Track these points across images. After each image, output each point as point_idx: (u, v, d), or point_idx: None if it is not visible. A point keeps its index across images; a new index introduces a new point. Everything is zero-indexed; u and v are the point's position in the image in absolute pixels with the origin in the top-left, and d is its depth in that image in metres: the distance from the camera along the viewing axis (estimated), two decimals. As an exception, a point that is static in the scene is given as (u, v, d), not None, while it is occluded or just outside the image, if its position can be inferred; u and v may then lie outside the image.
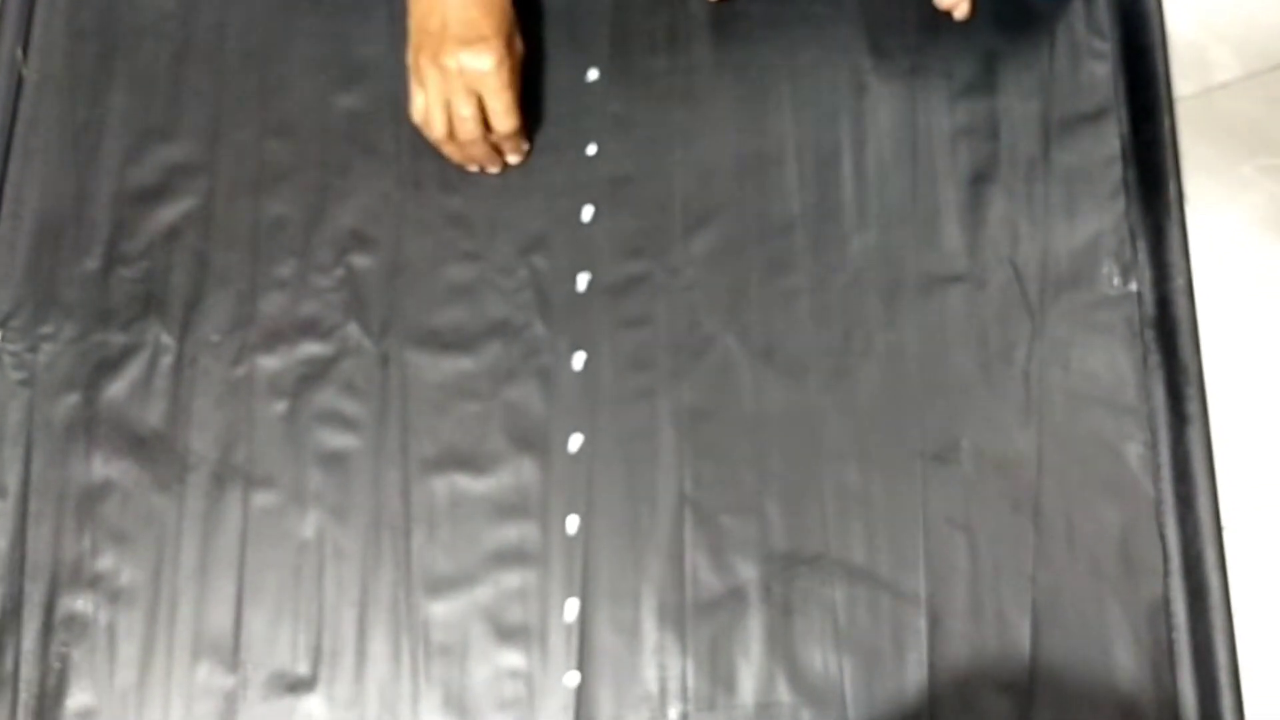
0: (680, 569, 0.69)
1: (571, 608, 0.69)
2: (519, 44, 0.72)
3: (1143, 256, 0.74)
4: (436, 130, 0.71)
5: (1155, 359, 0.72)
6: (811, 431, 0.71)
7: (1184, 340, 0.72)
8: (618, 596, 0.69)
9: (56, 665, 0.68)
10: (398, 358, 0.73)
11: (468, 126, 0.70)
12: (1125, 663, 0.68)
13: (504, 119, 0.71)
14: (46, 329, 0.73)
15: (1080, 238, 0.74)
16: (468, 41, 0.68)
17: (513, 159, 0.75)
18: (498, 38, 0.69)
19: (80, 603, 0.69)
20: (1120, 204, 0.75)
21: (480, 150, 0.72)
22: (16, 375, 0.72)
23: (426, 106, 0.70)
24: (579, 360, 0.73)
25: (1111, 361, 0.72)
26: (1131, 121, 0.77)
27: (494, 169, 0.75)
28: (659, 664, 0.68)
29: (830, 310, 0.73)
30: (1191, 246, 0.74)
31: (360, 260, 0.74)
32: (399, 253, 0.74)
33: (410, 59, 0.71)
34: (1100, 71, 0.77)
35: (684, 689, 0.68)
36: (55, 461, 0.71)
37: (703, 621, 0.68)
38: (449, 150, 0.73)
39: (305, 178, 0.75)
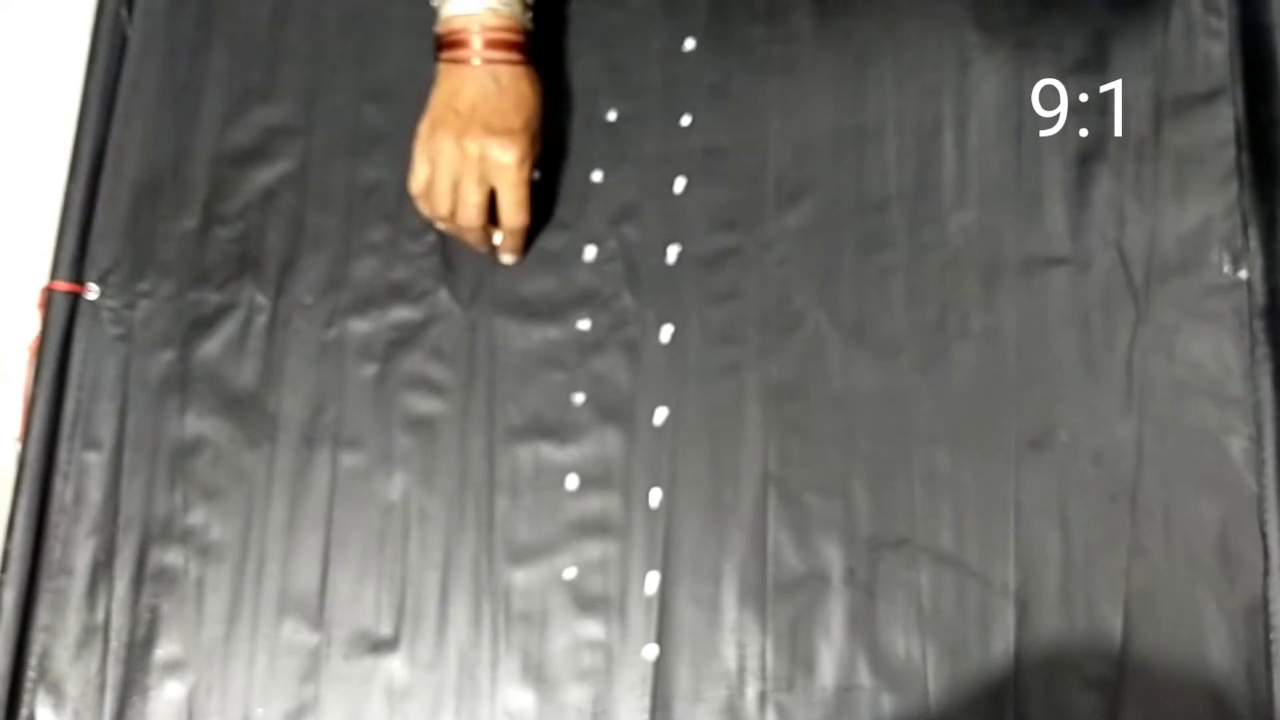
0: (762, 547, 0.69)
1: (652, 581, 0.69)
2: (538, 145, 0.70)
3: (1254, 244, 0.72)
4: (440, 208, 0.69)
5: (1263, 350, 0.70)
6: (902, 413, 0.70)
7: (1294, 332, 0.70)
8: (698, 572, 0.69)
9: (146, 616, 0.69)
10: (486, 325, 0.73)
11: (472, 213, 0.69)
12: (1220, 662, 0.66)
13: (516, 213, 0.69)
14: (144, 286, 0.74)
15: (1190, 222, 0.72)
16: (495, 131, 0.67)
17: (507, 259, 0.72)
18: (525, 133, 0.68)
19: (171, 556, 0.70)
20: (1233, 188, 0.72)
21: (476, 236, 0.70)
22: (114, 331, 0.73)
23: (431, 181, 0.69)
24: (666, 333, 0.72)
25: (1218, 351, 0.70)
26: (1247, 103, 0.74)
27: (481, 250, 0.73)
28: (738, 642, 0.67)
29: (925, 290, 0.72)
30: (1306, 235, 0.72)
31: (452, 226, 0.74)
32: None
33: (423, 130, 0.69)
34: (1216, 51, 0.75)
35: (763, 668, 0.67)
36: (149, 417, 0.72)
37: (784, 601, 0.68)
38: (443, 226, 0.71)
39: (400, 143, 0.75)
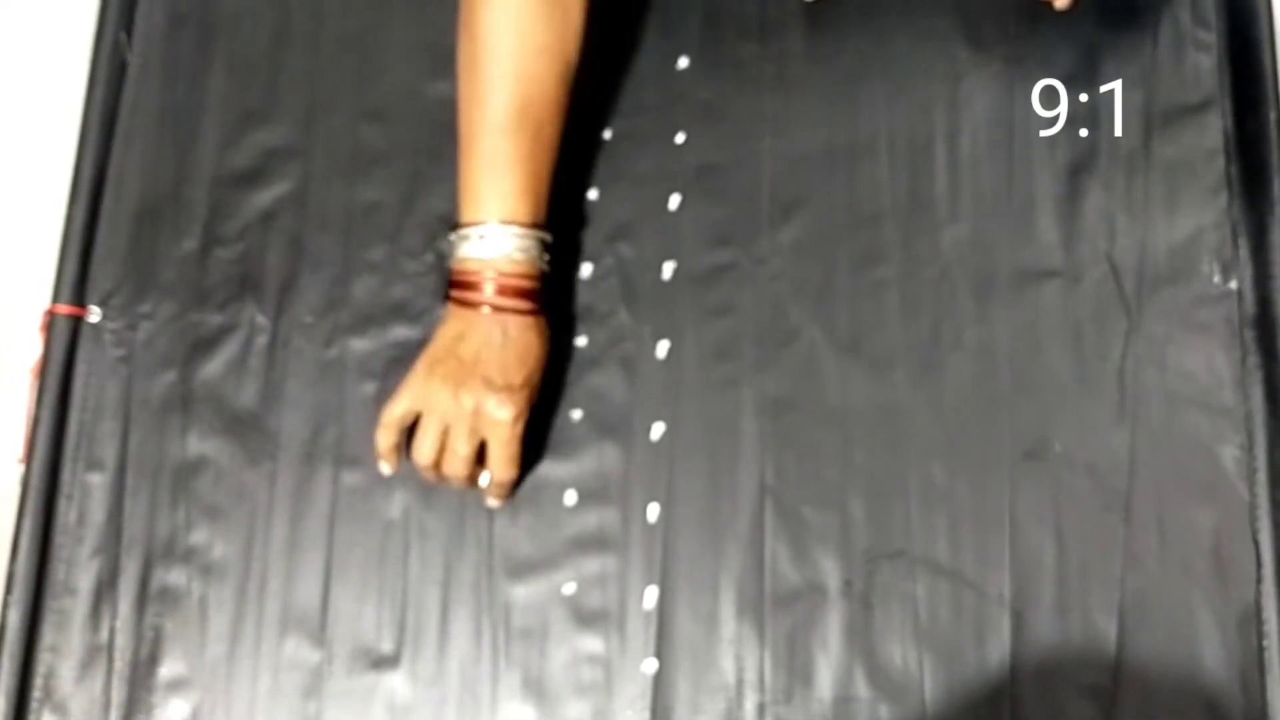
0: (760, 560, 0.69)
1: (651, 595, 0.69)
2: (538, 392, 0.68)
3: (1244, 254, 0.72)
4: (424, 457, 0.66)
5: (1254, 360, 0.71)
6: (897, 426, 0.71)
7: (1285, 341, 0.71)
8: (697, 585, 0.69)
9: (150, 635, 0.70)
10: (484, 342, 0.73)
11: (460, 466, 0.66)
12: (1214, 669, 0.67)
13: (506, 468, 0.67)
14: (145, 308, 0.75)
15: (1180, 233, 0.73)
16: (495, 387, 0.65)
17: (493, 504, 0.70)
18: (525, 389, 0.66)
19: (174, 576, 0.71)
20: (1222, 199, 0.73)
21: (461, 484, 0.68)
22: (116, 352, 0.74)
23: (416, 421, 0.66)
24: (663, 349, 0.73)
25: (1209, 361, 0.71)
26: (1236, 115, 0.75)
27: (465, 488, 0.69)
28: (736, 654, 0.68)
29: (919, 303, 0.72)
30: (1295, 245, 0.72)
31: (449, 245, 0.75)
32: (487, 238, 0.75)
33: (420, 367, 0.67)
34: (1205, 63, 0.76)
35: (761, 680, 0.68)
36: (152, 437, 0.73)
37: (781, 613, 0.68)
38: (421, 472, 0.68)
39: (398, 163, 0.76)
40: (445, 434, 0.66)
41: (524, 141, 0.66)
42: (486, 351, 0.66)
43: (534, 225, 0.67)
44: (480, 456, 0.67)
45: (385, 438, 0.68)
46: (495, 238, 0.66)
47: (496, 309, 0.66)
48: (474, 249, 0.66)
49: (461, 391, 0.65)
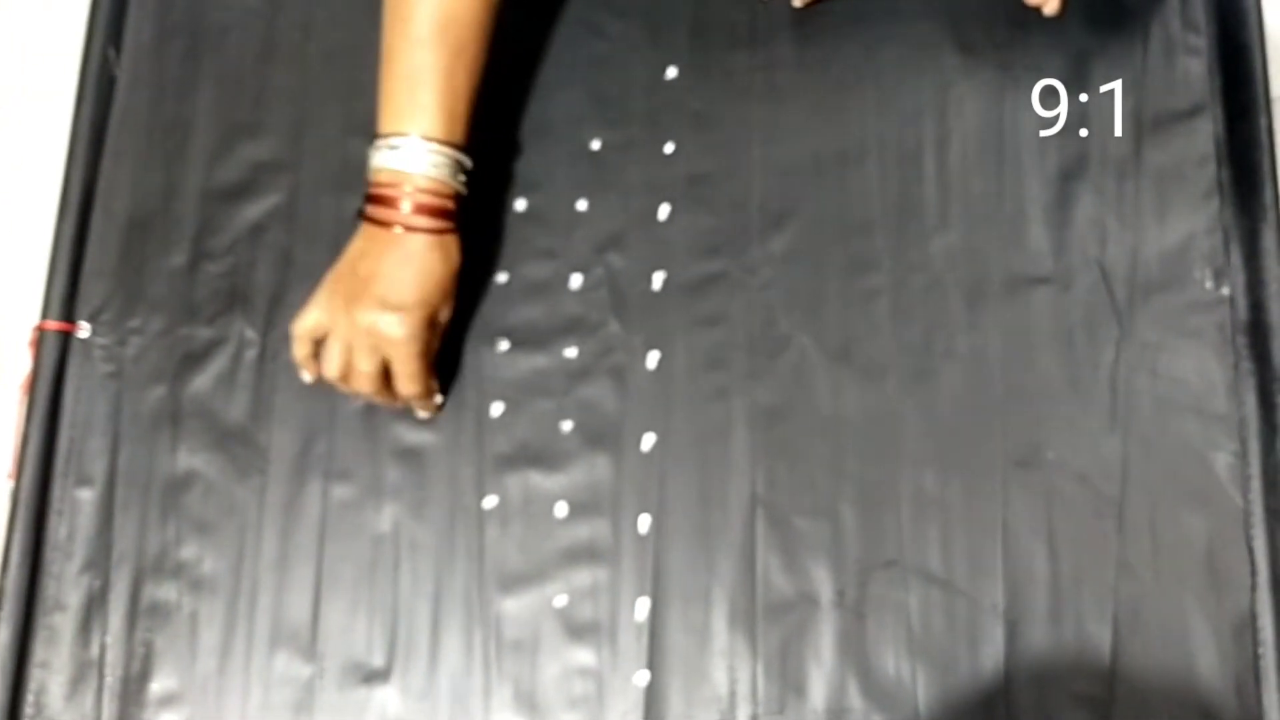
0: (752, 571, 0.69)
1: (642, 607, 0.69)
2: (447, 311, 0.68)
3: (1236, 260, 0.72)
4: (330, 370, 0.67)
5: (1247, 366, 0.71)
6: (889, 435, 0.70)
7: (1277, 346, 0.71)
8: (688, 597, 0.69)
9: (141, 651, 0.70)
10: (473, 354, 0.73)
11: (364, 383, 0.67)
12: (1209, 677, 0.66)
13: (407, 384, 0.68)
14: (134, 323, 0.75)
15: (1171, 240, 0.73)
16: (387, 305, 0.65)
17: (421, 414, 0.72)
18: (420, 309, 0.66)
19: (164, 591, 0.70)
20: (1214, 205, 0.73)
21: (372, 398, 0.69)
22: (105, 368, 0.74)
23: (325, 336, 0.67)
24: (653, 359, 0.73)
25: (1201, 367, 0.71)
26: (1227, 120, 0.74)
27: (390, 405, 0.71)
28: (729, 666, 0.68)
29: (910, 311, 0.72)
30: (1287, 250, 0.72)
31: (438, 257, 0.75)
32: (475, 250, 0.74)
33: (327, 282, 0.68)
34: (1195, 68, 0.75)
35: (754, 691, 0.67)
36: (141, 452, 0.72)
37: (773, 624, 0.68)
38: (334, 385, 0.69)
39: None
40: (349, 353, 0.67)
41: (444, 57, 0.66)
42: (384, 269, 0.66)
43: (451, 144, 0.67)
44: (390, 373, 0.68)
45: (299, 349, 0.69)
46: (411, 150, 0.66)
47: (409, 229, 0.66)
48: (389, 159, 0.66)
49: (355, 310, 0.66)
